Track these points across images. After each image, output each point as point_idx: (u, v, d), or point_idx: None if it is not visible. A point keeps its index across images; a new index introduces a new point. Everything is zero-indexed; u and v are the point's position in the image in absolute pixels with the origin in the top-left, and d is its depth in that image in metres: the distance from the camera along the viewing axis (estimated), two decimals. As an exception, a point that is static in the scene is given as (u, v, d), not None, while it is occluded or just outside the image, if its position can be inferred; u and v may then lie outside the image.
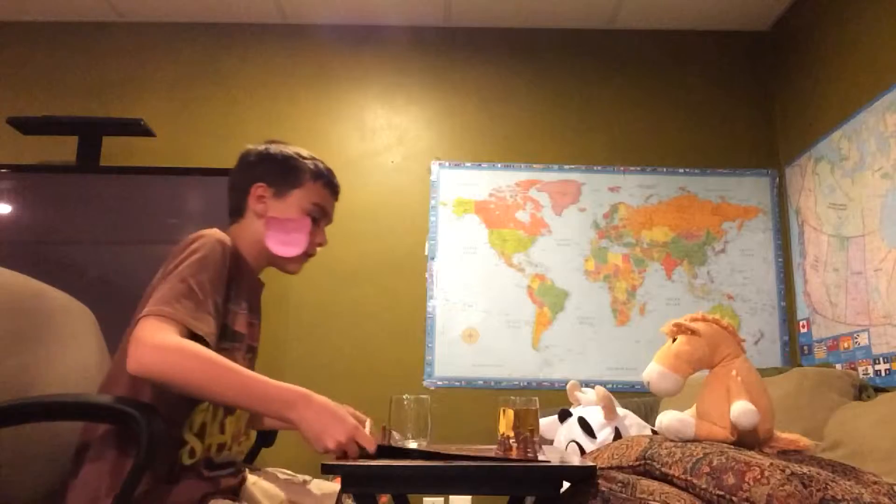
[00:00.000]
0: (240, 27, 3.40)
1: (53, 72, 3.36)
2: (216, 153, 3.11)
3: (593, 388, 2.21)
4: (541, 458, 1.15)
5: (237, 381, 1.10)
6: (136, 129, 3.05)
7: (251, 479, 1.38)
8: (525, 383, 3.02)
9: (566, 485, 1.21)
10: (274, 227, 1.34)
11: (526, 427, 1.24)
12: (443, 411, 2.88)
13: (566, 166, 3.24)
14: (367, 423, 1.17)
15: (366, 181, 3.24)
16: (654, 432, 1.66)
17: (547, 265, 3.13)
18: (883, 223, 2.45)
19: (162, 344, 1.07)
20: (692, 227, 3.17)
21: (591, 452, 1.44)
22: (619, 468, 1.23)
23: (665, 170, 3.23)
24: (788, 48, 3.19)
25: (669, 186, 3.21)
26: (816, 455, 1.31)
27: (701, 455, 1.10)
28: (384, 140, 3.30)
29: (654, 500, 1.06)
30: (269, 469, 1.47)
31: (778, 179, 3.21)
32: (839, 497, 0.98)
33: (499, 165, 3.25)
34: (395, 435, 1.49)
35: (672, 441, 1.23)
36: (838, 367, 2.59)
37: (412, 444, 1.46)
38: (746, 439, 1.24)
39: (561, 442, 2.17)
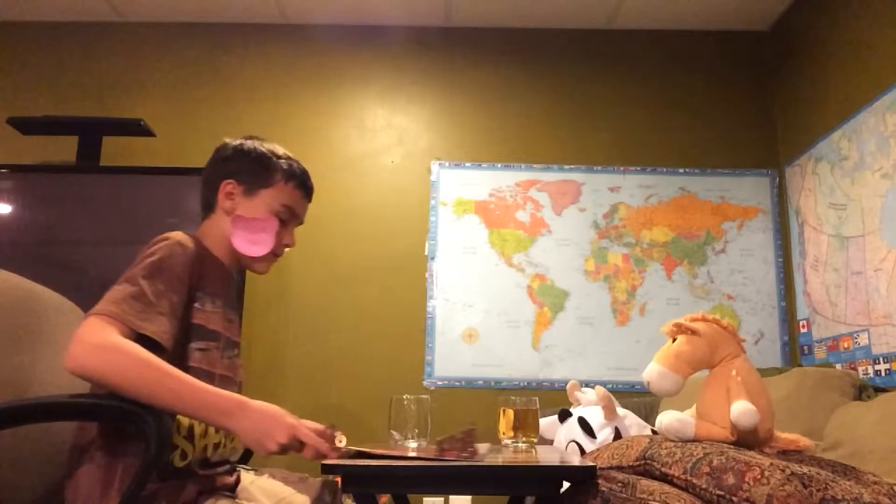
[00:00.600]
0: (240, 27, 3.40)
1: (53, 72, 3.36)
2: (216, 153, 3.11)
3: (593, 388, 2.21)
4: (480, 459, 1.14)
5: (173, 387, 1.06)
6: (136, 129, 3.05)
7: (249, 478, 1.38)
8: (525, 383, 3.02)
9: (566, 485, 1.21)
10: (240, 226, 1.32)
11: (525, 426, 1.24)
12: (443, 411, 2.87)
13: (566, 166, 3.24)
14: (339, 435, 1.15)
15: (366, 181, 3.23)
16: (654, 432, 1.66)
17: (547, 265, 3.13)
18: (883, 223, 2.45)
19: (101, 343, 1.05)
20: (692, 227, 3.17)
21: (591, 452, 1.44)
22: (619, 468, 1.23)
23: (665, 170, 3.23)
24: (788, 48, 3.19)
25: (669, 186, 3.21)
26: (816, 455, 1.31)
27: (701, 455, 1.10)
28: (384, 140, 3.30)
29: (654, 500, 1.06)
30: (267, 469, 1.47)
31: (778, 179, 3.21)
32: (839, 497, 0.98)
33: (499, 165, 3.25)
34: (395, 435, 1.49)
35: (672, 441, 1.23)
36: (838, 367, 2.59)
37: (412, 445, 1.46)
38: (746, 439, 1.24)
39: (561, 442, 2.17)
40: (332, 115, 3.32)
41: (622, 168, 3.24)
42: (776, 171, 3.22)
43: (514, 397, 1.49)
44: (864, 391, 2.28)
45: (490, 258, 3.15)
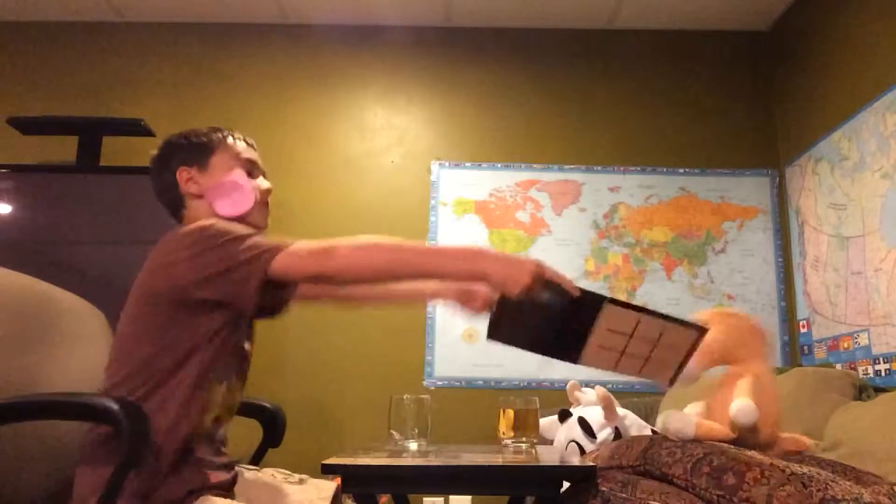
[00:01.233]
0: (240, 27, 3.40)
1: (53, 72, 3.36)
2: (216, 153, 3.11)
3: (593, 388, 2.21)
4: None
5: (410, 257, 1.14)
6: (136, 129, 3.05)
7: (250, 475, 1.38)
8: (525, 383, 3.02)
9: (566, 485, 1.21)
10: (215, 195, 1.34)
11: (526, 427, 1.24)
12: (443, 411, 2.87)
13: (566, 166, 3.24)
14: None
15: (366, 181, 3.23)
16: (655, 432, 1.66)
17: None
18: (883, 223, 2.45)
19: (339, 244, 1.13)
20: (692, 227, 3.17)
21: (591, 452, 1.44)
22: (619, 468, 1.23)
23: (665, 170, 3.23)
24: (788, 48, 3.19)
25: (669, 186, 3.21)
26: (816, 455, 1.31)
27: (701, 455, 1.10)
28: (384, 140, 3.30)
29: (654, 500, 1.06)
30: (266, 469, 1.47)
31: (778, 179, 3.21)
32: (839, 497, 0.98)
33: (499, 165, 3.25)
34: (395, 435, 1.49)
35: (672, 441, 1.23)
36: (838, 367, 2.59)
37: (412, 445, 1.46)
38: (747, 439, 1.24)
39: (561, 442, 2.17)
40: (332, 115, 3.32)
41: (622, 168, 3.24)
42: (776, 171, 3.22)
43: (514, 397, 1.49)
44: (864, 391, 2.28)
45: (490, 258, 3.14)
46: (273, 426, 1.65)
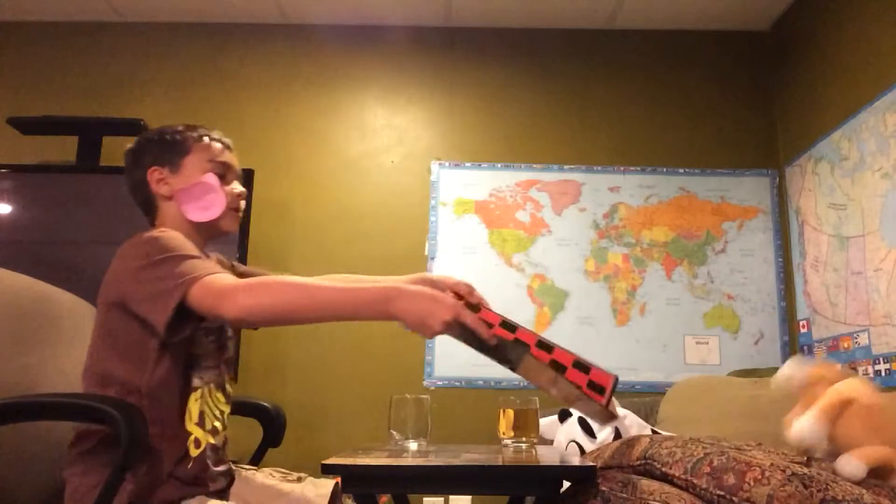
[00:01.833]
0: (240, 27, 3.40)
1: (53, 72, 3.36)
2: (216, 153, 3.11)
3: (593, 388, 2.21)
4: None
5: (325, 297, 1.11)
6: (136, 129, 3.05)
7: (247, 473, 1.38)
8: (525, 383, 3.02)
9: (566, 485, 1.21)
10: (186, 198, 1.31)
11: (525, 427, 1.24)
12: (443, 411, 2.88)
13: (566, 166, 3.24)
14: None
15: (366, 181, 3.23)
16: (655, 432, 1.66)
17: (547, 265, 3.13)
18: (883, 223, 2.45)
19: (243, 285, 1.10)
20: (692, 227, 3.17)
21: (591, 452, 1.44)
22: (619, 468, 1.23)
23: (665, 170, 3.23)
24: (788, 48, 3.19)
25: (669, 186, 3.21)
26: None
27: (701, 455, 1.10)
28: (384, 140, 3.30)
29: (655, 500, 1.06)
30: (265, 468, 1.47)
31: (778, 179, 3.21)
32: (840, 497, 0.98)
33: (499, 165, 3.25)
34: (395, 435, 1.49)
35: (672, 441, 1.23)
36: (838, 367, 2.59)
37: (412, 445, 1.46)
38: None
39: (561, 442, 2.17)
40: (332, 115, 3.32)
41: (622, 168, 3.24)
42: (776, 171, 3.22)
43: (514, 397, 1.49)
44: (864, 391, 2.28)
45: (490, 258, 3.14)
46: (273, 426, 1.65)
